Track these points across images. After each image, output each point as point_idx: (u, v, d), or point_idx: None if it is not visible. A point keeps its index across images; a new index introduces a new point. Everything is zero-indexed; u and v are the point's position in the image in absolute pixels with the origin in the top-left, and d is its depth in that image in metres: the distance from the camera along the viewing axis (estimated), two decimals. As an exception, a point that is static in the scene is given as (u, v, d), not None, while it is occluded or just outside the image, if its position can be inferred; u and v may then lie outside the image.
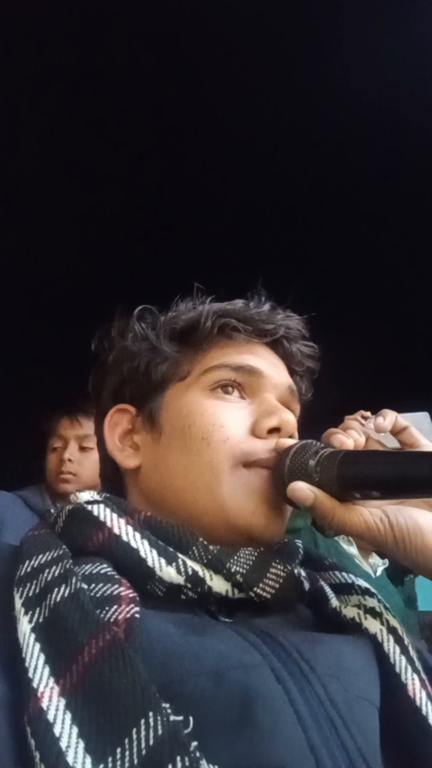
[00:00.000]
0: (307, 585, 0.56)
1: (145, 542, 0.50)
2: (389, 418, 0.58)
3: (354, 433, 0.57)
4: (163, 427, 0.61)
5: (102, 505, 0.53)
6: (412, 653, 0.54)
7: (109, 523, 0.51)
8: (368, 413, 0.60)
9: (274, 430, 0.58)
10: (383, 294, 1.02)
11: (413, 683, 0.50)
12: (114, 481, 0.65)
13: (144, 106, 0.81)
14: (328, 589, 0.59)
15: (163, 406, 0.62)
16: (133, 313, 0.69)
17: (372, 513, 0.51)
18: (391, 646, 0.52)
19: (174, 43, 0.77)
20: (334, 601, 0.58)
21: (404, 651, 0.53)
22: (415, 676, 0.51)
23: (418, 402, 0.63)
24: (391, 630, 0.55)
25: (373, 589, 0.62)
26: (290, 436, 0.59)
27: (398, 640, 0.54)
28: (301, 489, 0.52)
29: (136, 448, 0.63)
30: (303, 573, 0.58)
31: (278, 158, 0.89)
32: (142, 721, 0.34)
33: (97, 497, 0.56)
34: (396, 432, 0.59)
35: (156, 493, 0.60)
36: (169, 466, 0.59)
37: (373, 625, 0.55)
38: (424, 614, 1.77)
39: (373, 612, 0.57)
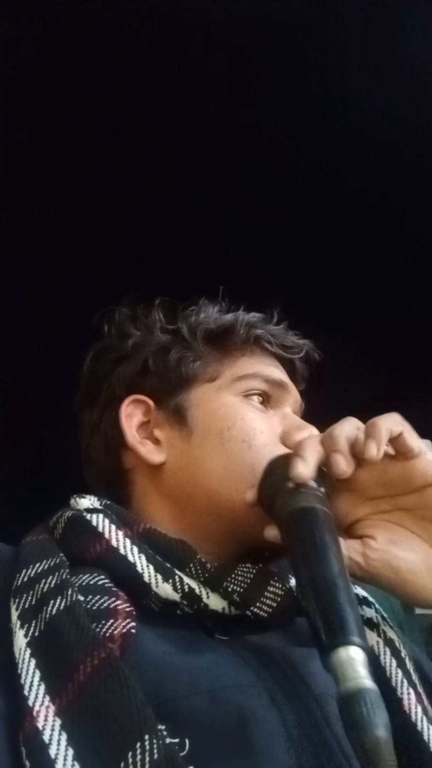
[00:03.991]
0: None
1: (143, 557, 0.49)
2: (380, 442, 0.51)
3: (338, 463, 0.51)
4: (194, 426, 0.60)
5: (101, 515, 0.53)
6: (409, 666, 0.54)
7: (107, 535, 0.51)
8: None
9: None
10: (383, 299, 1.02)
11: (409, 698, 0.49)
12: (114, 482, 0.63)
13: (155, 101, 0.80)
14: None
15: (191, 405, 0.61)
16: (149, 302, 0.69)
17: (350, 547, 0.50)
18: (387, 660, 0.52)
19: (176, 42, 0.76)
20: None
21: (401, 664, 0.52)
22: (411, 691, 0.50)
23: (417, 407, 0.62)
24: (388, 642, 0.54)
25: (371, 598, 0.61)
26: None
27: (395, 653, 0.53)
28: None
29: (156, 443, 0.62)
30: None
31: (278, 159, 0.88)
32: (138, 744, 0.34)
33: (97, 505, 0.56)
34: (390, 439, 0.52)
35: (182, 491, 0.59)
36: (204, 465, 0.58)
37: (369, 638, 0.54)
38: (422, 617, 1.77)
39: (370, 623, 0.57)
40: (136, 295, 0.70)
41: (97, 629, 0.41)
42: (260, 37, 0.75)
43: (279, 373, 0.64)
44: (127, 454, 0.63)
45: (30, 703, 0.37)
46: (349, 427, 0.52)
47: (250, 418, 0.59)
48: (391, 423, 0.51)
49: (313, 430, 0.60)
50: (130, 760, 0.33)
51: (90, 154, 0.87)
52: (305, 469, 0.49)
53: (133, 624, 0.43)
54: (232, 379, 0.62)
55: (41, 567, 0.48)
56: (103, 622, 0.42)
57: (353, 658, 0.36)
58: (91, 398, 0.67)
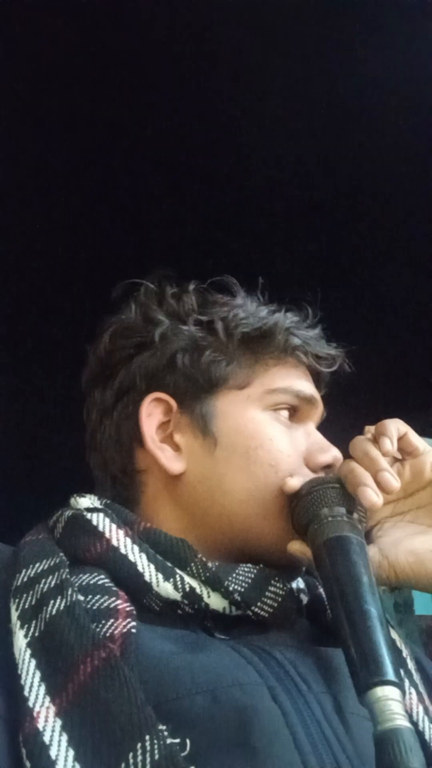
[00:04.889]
0: (305, 598, 0.56)
1: (143, 556, 0.49)
2: (392, 438, 0.55)
3: (389, 480, 0.52)
4: (219, 439, 0.57)
5: (101, 515, 0.53)
6: (410, 665, 0.54)
7: (107, 534, 0.51)
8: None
9: (326, 466, 0.58)
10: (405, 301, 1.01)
11: (410, 697, 0.50)
12: (121, 480, 0.61)
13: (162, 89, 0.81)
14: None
15: (217, 413, 0.58)
16: (181, 286, 0.64)
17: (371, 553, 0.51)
18: None
19: (176, 29, 0.76)
20: None
21: (402, 664, 0.53)
22: (412, 690, 0.51)
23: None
24: None
25: None
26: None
27: (396, 653, 0.53)
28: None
29: (176, 449, 0.59)
30: (302, 585, 0.58)
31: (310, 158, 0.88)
32: (139, 744, 0.34)
33: (97, 504, 0.55)
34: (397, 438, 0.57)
35: (198, 505, 0.57)
36: (225, 484, 0.56)
37: None
38: (422, 618, 1.77)
39: None
40: (165, 273, 0.65)
41: (98, 629, 0.41)
42: (264, 26, 0.75)
43: (310, 388, 0.62)
44: (141, 453, 0.60)
45: (30, 703, 0.37)
46: (372, 442, 0.55)
47: (278, 440, 0.57)
48: (398, 423, 0.56)
49: (335, 451, 0.59)
50: (131, 761, 0.33)
51: (87, 139, 0.86)
52: (379, 498, 0.51)
53: (134, 623, 0.43)
54: (263, 390, 0.59)
55: (41, 567, 0.48)
56: (104, 621, 0.43)
57: (389, 697, 0.37)
58: (104, 379, 0.63)
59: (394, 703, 0.37)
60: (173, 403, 0.59)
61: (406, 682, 0.51)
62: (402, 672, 0.52)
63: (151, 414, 0.59)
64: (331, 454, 0.59)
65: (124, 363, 0.62)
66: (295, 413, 0.61)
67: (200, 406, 0.59)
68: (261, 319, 0.62)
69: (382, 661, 0.39)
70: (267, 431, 0.57)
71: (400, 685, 0.38)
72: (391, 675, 0.38)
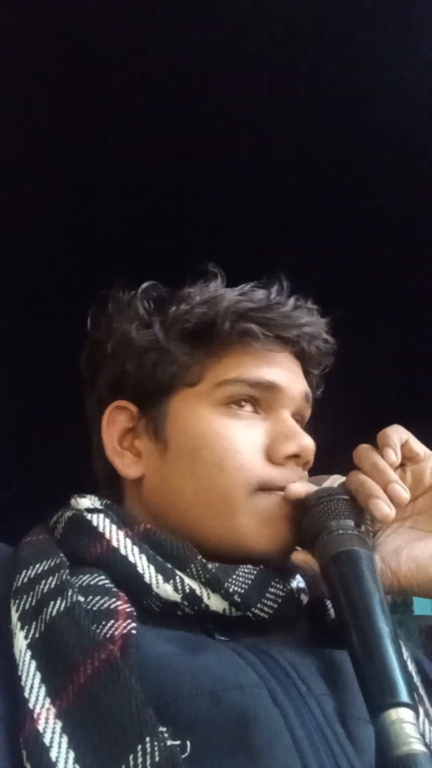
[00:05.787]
0: (305, 598, 0.56)
1: (143, 557, 0.49)
2: (396, 449, 0.54)
3: (400, 492, 0.51)
4: (168, 442, 0.57)
5: (102, 515, 0.53)
6: (411, 667, 0.54)
7: (107, 535, 0.51)
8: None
9: (292, 456, 0.56)
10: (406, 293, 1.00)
11: None
12: (107, 484, 0.62)
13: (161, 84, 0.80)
14: None
15: (168, 416, 0.57)
16: (135, 290, 0.62)
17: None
18: None
19: (183, 32, 0.76)
20: (333, 612, 0.57)
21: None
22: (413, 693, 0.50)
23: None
24: None
25: None
26: (306, 463, 0.57)
27: (408, 673, 0.53)
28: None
29: (137, 454, 0.59)
30: (302, 584, 0.58)
31: (305, 139, 0.87)
32: (139, 746, 0.34)
33: (97, 505, 0.56)
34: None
35: (159, 509, 0.57)
36: (176, 486, 0.56)
37: None
38: (421, 619, 1.77)
39: None
40: (126, 279, 0.63)
41: (98, 630, 0.41)
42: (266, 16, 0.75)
43: (269, 373, 0.57)
44: None
45: (30, 705, 0.37)
46: (378, 452, 0.54)
47: (223, 437, 0.55)
48: (399, 431, 0.55)
49: (302, 440, 0.56)
50: (131, 763, 0.33)
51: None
52: (391, 510, 0.50)
53: (134, 625, 0.43)
54: (213, 384, 0.56)
55: (41, 568, 0.48)
56: (104, 622, 0.43)
57: (404, 719, 0.36)
58: (89, 391, 0.64)
59: (409, 726, 0.36)
60: (134, 409, 0.59)
61: None
62: None
63: (114, 421, 0.60)
64: (296, 442, 0.55)
65: (99, 375, 0.62)
66: (258, 404, 0.57)
67: (155, 409, 0.58)
68: (203, 311, 0.58)
69: (396, 681, 0.38)
70: (213, 429, 0.55)
71: (414, 707, 0.37)
72: (405, 697, 0.37)
